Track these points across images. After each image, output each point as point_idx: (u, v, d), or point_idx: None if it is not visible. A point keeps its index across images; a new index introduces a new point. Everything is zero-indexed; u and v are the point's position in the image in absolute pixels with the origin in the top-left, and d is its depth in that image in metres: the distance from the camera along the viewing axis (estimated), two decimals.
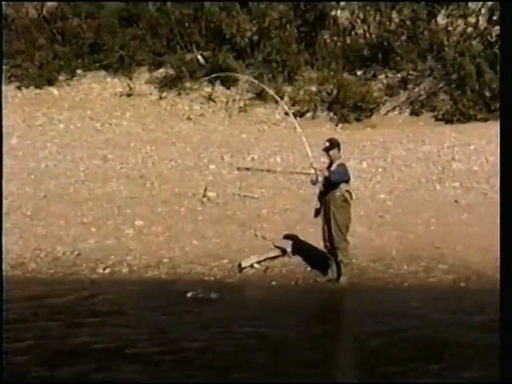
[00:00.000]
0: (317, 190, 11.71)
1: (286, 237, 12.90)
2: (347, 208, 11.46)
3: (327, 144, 11.47)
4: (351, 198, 11.45)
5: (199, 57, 20.79)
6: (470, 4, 20.70)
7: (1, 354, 7.67)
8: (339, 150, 11.50)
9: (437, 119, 19.27)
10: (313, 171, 11.62)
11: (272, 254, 12.50)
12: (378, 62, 20.52)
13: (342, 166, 11.45)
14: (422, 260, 12.22)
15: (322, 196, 11.55)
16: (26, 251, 13.01)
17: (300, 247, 12.62)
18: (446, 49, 20.16)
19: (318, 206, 11.64)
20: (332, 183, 11.28)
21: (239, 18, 20.75)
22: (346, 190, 11.37)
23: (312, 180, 11.64)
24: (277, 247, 12.64)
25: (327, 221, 11.47)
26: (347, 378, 8.40)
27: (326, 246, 11.71)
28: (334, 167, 11.39)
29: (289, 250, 12.55)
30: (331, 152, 11.43)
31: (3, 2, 20.20)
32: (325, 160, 11.81)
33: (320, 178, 11.42)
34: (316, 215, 11.73)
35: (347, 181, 11.42)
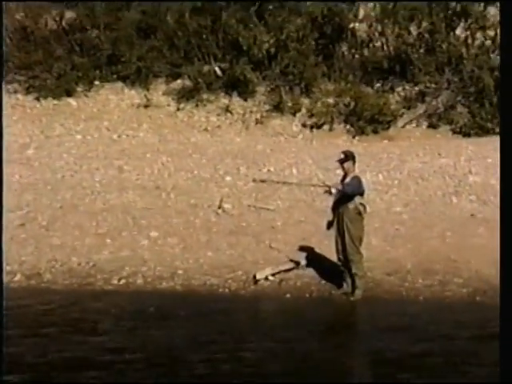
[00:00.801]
0: (331, 202, 11.68)
1: (301, 249, 12.87)
2: (361, 221, 11.43)
3: (342, 156, 11.45)
4: (365, 211, 11.42)
5: (216, 68, 20.79)
6: (488, 16, 20.62)
7: (1, 353, 7.65)
8: (354, 162, 11.47)
9: (454, 132, 19.19)
10: (327, 183, 11.64)
11: (287, 267, 12.46)
12: (395, 74, 20.46)
13: (356, 178, 11.41)
14: (437, 273, 12.15)
15: (335, 208, 11.53)
16: (41, 261, 13.04)
17: (315, 260, 12.58)
18: (465, 62, 20.08)
19: (331, 218, 11.63)
20: (346, 196, 11.26)
21: (256, 30, 20.74)
22: (360, 203, 11.34)
23: (326, 191, 11.63)
24: (291, 260, 12.59)
25: (341, 233, 11.44)
26: None
27: (339, 259, 11.68)
28: (348, 180, 11.37)
29: (303, 262, 12.51)
30: (346, 164, 11.40)
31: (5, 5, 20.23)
32: (340, 172, 11.78)
33: (334, 190, 11.41)
34: (328, 227, 11.72)
35: (361, 194, 11.39)
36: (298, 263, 12.43)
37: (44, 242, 13.69)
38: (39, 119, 19.84)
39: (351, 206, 11.31)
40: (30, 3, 22.12)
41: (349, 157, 11.46)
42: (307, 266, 12.44)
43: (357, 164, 11.59)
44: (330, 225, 11.67)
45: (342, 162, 11.44)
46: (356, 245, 11.43)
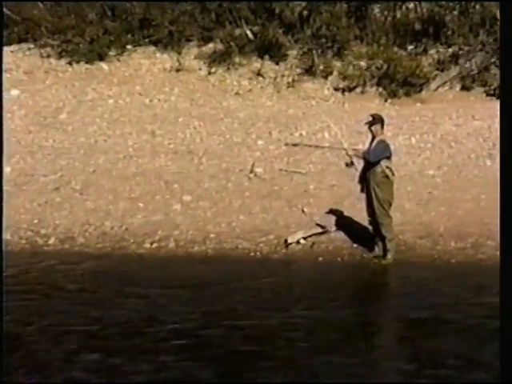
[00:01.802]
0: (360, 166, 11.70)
1: (333, 212, 12.87)
2: (388, 184, 11.45)
3: (370, 119, 11.50)
4: (392, 174, 11.42)
5: (248, 32, 20.66)
6: None
7: (1, 353, 7.73)
8: (382, 125, 11.51)
9: (488, 94, 18.96)
10: (350, 153, 11.68)
11: (319, 230, 12.47)
12: (428, 36, 20.21)
13: (382, 142, 11.42)
14: (470, 236, 12.11)
15: (363, 173, 11.54)
16: (74, 225, 13.18)
17: (347, 223, 12.58)
18: (499, 23, 19.79)
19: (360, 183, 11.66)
20: (371, 163, 11.30)
21: None
22: (387, 167, 11.35)
23: (347, 163, 11.73)
24: (317, 224, 12.59)
25: (369, 198, 11.46)
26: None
27: (370, 222, 11.71)
28: (374, 144, 11.38)
29: (335, 226, 12.52)
30: (373, 127, 11.45)
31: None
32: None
33: (356, 163, 11.49)
34: (362, 190, 11.72)
35: (388, 157, 11.38)
36: (328, 227, 12.44)
37: (78, 206, 13.82)
38: (72, 84, 19.88)
39: (378, 169, 11.33)
40: None
41: (377, 120, 11.49)
42: (339, 229, 12.45)
43: (390, 127, 11.65)
44: (363, 187, 11.69)
45: (370, 124, 11.48)
46: (385, 208, 11.44)
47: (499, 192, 7.93)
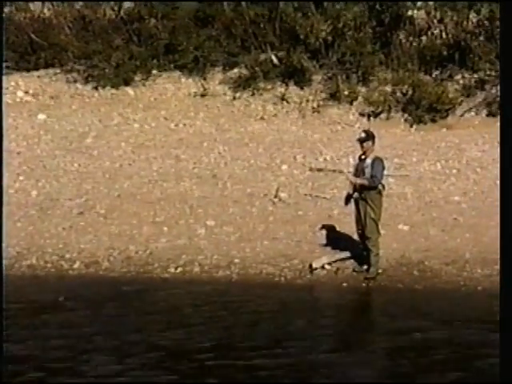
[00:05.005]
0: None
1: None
2: (380, 199, 11.67)
3: (363, 135, 11.65)
4: (384, 188, 11.70)
5: (273, 57, 20.73)
6: None
7: (1, 353, 7.71)
8: (373, 142, 11.69)
9: None
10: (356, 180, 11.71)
11: (343, 256, 12.44)
12: (454, 62, 20.18)
13: (379, 160, 11.58)
14: (496, 263, 11.96)
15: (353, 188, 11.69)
16: (99, 250, 13.20)
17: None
18: None
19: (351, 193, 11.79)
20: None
21: (314, 19, 20.63)
22: (382, 184, 11.63)
23: (349, 195, 11.84)
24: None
25: (360, 212, 11.69)
26: None
27: (360, 236, 11.93)
28: (369, 161, 11.49)
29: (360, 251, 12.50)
30: (365, 143, 11.62)
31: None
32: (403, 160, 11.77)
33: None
34: (347, 203, 11.96)
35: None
36: (354, 252, 12.43)
37: (102, 231, 13.85)
38: (97, 108, 20.01)
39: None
40: None
41: (369, 136, 11.63)
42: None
43: (415, 153, 11.69)
44: (347, 200, 11.94)
45: (362, 141, 11.56)
46: (376, 223, 11.65)
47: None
